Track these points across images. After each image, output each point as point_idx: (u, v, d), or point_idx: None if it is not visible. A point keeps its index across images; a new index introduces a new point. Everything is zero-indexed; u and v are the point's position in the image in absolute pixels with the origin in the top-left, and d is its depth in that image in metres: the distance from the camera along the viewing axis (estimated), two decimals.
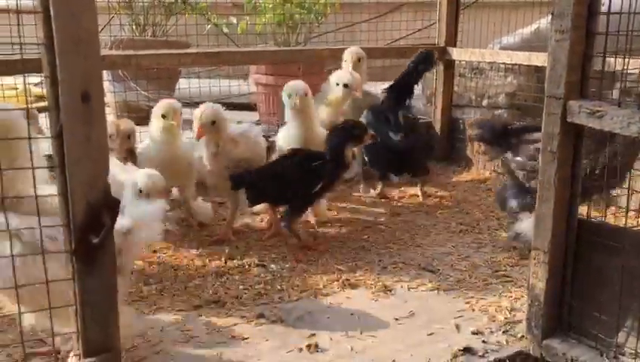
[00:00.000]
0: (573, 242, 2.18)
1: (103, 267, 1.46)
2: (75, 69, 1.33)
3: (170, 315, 2.58)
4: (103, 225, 1.42)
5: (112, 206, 1.43)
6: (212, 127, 3.18)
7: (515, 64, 4.71)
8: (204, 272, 2.97)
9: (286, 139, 3.55)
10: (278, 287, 2.82)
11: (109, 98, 6.14)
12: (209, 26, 6.28)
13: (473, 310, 2.63)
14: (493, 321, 2.53)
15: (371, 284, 2.86)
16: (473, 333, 2.44)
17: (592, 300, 2.14)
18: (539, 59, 4.13)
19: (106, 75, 6.07)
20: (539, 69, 4.83)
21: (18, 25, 1.53)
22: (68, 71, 1.32)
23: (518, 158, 3.21)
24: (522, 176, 3.18)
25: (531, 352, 2.28)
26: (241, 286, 2.83)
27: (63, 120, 1.35)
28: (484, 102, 5.62)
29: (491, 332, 2.45)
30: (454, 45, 4.81)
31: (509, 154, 3.25)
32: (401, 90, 4.05)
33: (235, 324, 2.51)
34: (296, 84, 3.52)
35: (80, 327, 1.48)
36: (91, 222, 1.42)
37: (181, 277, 2.92)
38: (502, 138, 3.33)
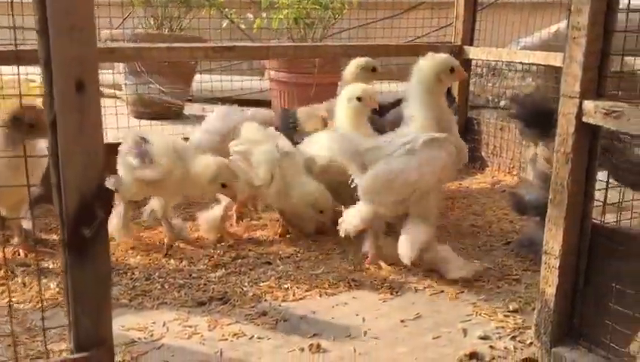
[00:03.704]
0: (586, 247, 2.11)
1: (96, 260, 1.43)
2: (68, 56, 1.30)
3: (173, 310, 2.55)
4: (96, 218, 1.39)
5: (105, 198, 1.40)
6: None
7: (533, 64, 4.62)
8: (210, 268, 2.94)
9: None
10: (283, 286, 2.78)
11: (123, 92, 6.16)
12: (225, 22, 6.27)
13: (481, 314, 2.57)
14: (502, 326, 2.47)
15: (378, 285, 2.81)
16: (480, 338, 2.38)
17: (604, 307, 2.06)
18: (557, 59, 4.04)
19: (122, 68, 6.09)
20: (558, 70, 4.73)
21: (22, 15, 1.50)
22: (61, 57, 1.29)
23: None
24: (548, 169, 2.99)
25: (539, 359, 2.21)
26: (246, 284, 2.79)
27: (57, 108, 1.32)
28: (502, 103, 5.54)
29: (499, 337, 2.39)
30: (471, 44, 4.72)
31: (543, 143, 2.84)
32: None
33: (237, 321, 2.47)
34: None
35: (72, 321, 1.45)
36: (84, 214, 1.39)
37: (185, 273, 2.89)
38: (542, 119, 2.77)
